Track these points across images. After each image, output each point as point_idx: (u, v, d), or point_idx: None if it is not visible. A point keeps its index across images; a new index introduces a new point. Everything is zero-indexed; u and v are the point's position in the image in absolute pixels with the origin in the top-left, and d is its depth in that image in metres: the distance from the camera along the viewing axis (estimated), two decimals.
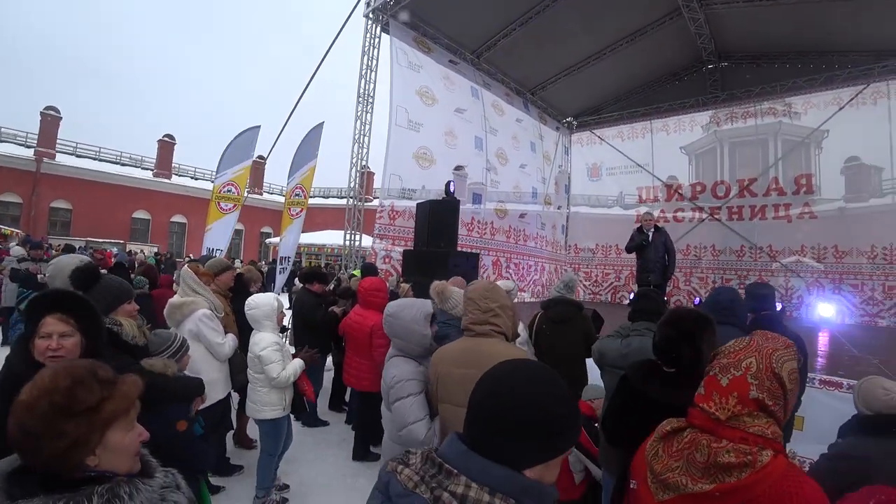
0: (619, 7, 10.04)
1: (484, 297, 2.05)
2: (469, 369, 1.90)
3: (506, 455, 0.86)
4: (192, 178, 27.90)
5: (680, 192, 12.82)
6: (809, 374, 3.68)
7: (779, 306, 9.89)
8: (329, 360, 5.48)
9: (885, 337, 8.40)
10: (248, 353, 3.26)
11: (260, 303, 3.27)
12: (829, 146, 10.95)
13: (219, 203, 8.24)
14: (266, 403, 3.26)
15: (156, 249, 22.60)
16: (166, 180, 25.90)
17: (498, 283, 4.96)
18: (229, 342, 3.39)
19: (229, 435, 4.12)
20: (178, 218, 26.32)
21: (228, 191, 8.30)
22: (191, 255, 20.24)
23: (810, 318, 10.19)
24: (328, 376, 5.77)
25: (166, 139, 26.31)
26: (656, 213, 12.35)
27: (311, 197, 8.78)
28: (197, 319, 3.23)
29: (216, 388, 3.29)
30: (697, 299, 11.65)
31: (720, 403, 1.12)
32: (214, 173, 8.28)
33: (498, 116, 11.37)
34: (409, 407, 2.06)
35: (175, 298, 3.39)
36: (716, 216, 12.17)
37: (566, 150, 14.64)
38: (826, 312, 10.13)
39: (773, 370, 1.10)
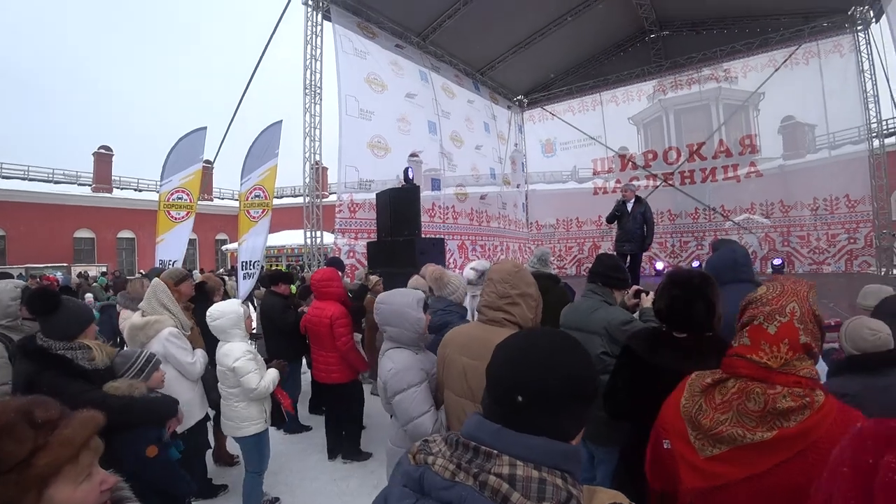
0: None
1: (505, 280, 1.84)
2: (473, 360, 1.81)
3: (542, 427, 0.80)
4: (135, 189, 26.47)
5: (633, 161, 13.11)
6: None
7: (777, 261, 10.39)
8: (304, 362, 5.31)
9: (833, 281, 8.93)
10: (218, 367, 3.04)
11: (225, 311, 3.04)
12: (766, 107, 11.52)
13: (168, 212, 7.82)
14: (246, 419, 3.05)
15: (104, 269, 21.36)
16: (107, 195, 24.46)
17: (474, 263, 4.91)
18: (199, 359, 3.18)
19: (208, 453, 3.90)
20: (125, 234, 24.95)
21: (179, 198, 7.89)
22: (142, 270, 19.22)
23: (766, 270, 10.69)
24: (306, 379, 5.60)
25: (102, 151, 24.79)
26: (612, 184, 12.63)
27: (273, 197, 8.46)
28: (163, 340, 3.01)
29: (193, 408, 3.10)
30: (659, 263, 12.01)
31: (772, 352, 1.10)
32: (159, 181, 7.84)
33: (449, 99, 11.23)
34: (413, 399, 1.93)
35: (136, 318, 3.13)
36: (669, 182, 12.52)
37: (520, 129, 14.70)
38: (777, 263, 10.67)
39: (813, 312, 1.11)
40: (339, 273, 4.66)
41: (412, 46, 10.46)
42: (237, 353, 2.97)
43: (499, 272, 1.89)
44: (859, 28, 10.28)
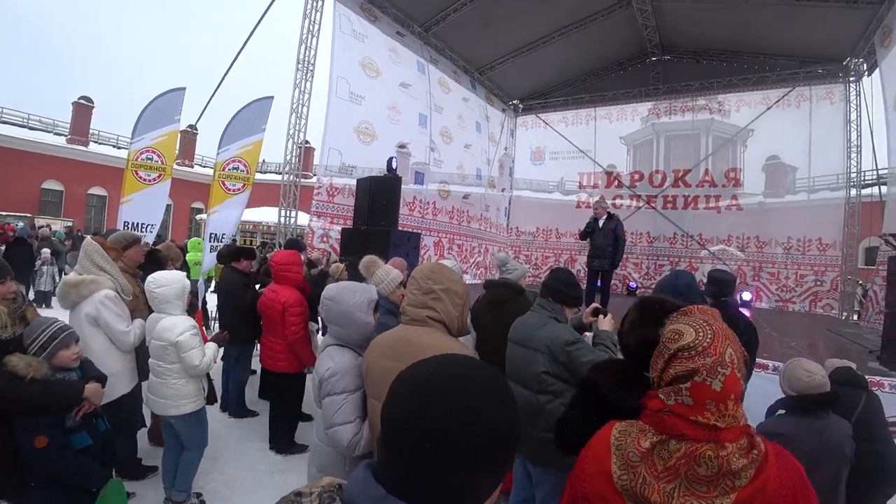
0: None
1: (426, 276, 1.77)
2: (396, 362, 1.67)
3: (451, 487, 0.63)
4: (114, 146, 25.53)
5: (620, 179, 13.17)
6: None
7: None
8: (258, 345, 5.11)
9: (797, 320, 9.11)
10: (154, 342, 2.84)
11: (169, 280, 2.85)
12: (753, 144, 11.73)
13: (136, 171, 7.46)
14: (184, 396, 2.89)
15: (70, 224, 20.56)
16: (82, 148, 23.53)
17: (443, 261, 4.78)
18: (136, 329, 2.96)
19: (142, 432, 3.66)
20: (96, 190, 24.04)
21: (149, 158, 7.54)
22: (80, 232, 18.50)
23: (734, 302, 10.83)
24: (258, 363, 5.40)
25: (82, 102, 23.82)
26: (596, 199, 12.65)
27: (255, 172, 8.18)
28: (97, 301, 2.79)
29: (120, 381, 2.88)
30: (633, 283, 12.13)
31: (719, 411, 0.96)
32: (130, 139, 7.49)
33: (444, 94, 11.08)
34: (340, 406, 1.80)
35: (71, 276, 2.91)
36: (652, 204, 12.62)
37: (512, 133, 14.64)
38: (747, 297, 10.82)
39: (743, 352, 1.00)
40: (301, 256, 4.47)
41: (413, 36, 10.28)
42: (181, 327, 2.79)
43: (421, 270, 1.83)
44: (852, 79, 10.50)
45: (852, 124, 10.41)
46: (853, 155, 10.41)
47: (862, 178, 10.52)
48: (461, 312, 1.79)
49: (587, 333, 2.63)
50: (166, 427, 3.11)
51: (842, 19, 9.10)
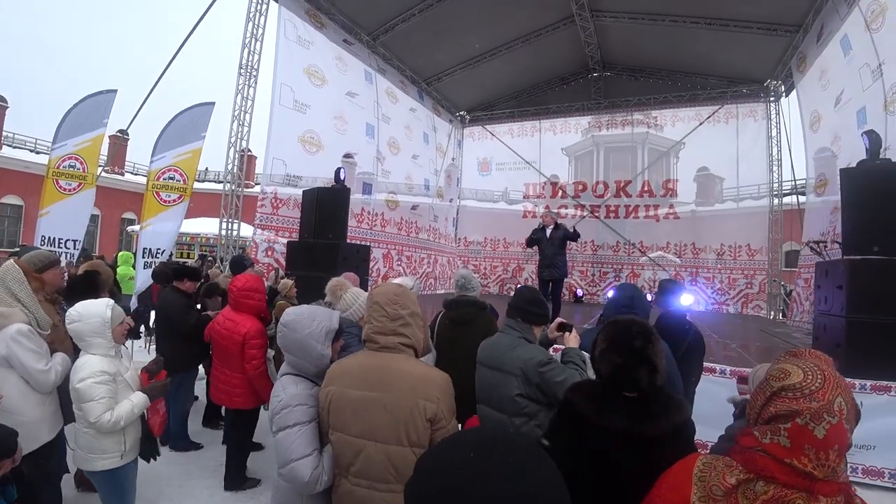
0: (518, 6, 10.19)
1: (392, 301, 1.71)
2: (369, 392, 1.61)
3: None
4: (32, 150, 23.47)
5: (564, 190, 13.57)
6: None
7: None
8: (201, 370, 4.76)
9: (731, 322, 9.69)
10: (70, 384, 2.42)
11: (85, 313, 2.41)
12: (685, 156, 12.49)
13: (57, 181, 6.88)
14: (96, 451, 2.42)
15: None
16: None
17: (399, 279, 4.64)
18: (57, 366, 2.58)
19: (67, 478, 3.19)
20: (10, 199, 21.91)
21: (71, 166, 6.96)
22: (24, 244, 16.85)
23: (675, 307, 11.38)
24: (202, 387, 5.02)
25: None
26: (541, 209, 12.97)
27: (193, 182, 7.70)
28: (8, 339, 2.42)
29: (40, 429, 2.52)
30: (580, 291, 12.54)
31: (818, 459, 0.90)
32: (50, 145, 6.88)
33: (391, 104, 11.00)
34: (295, 440, 1.67)
35: None
36: (595, 214, 13.07)
37: (459, 144, 14.75)
38: (686, 301, 11.40)
39: (855, 405, 0.94)
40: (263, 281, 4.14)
41: (361, 44, 10.13)
42: (86, 371, 2.34)
43: (384, 294, 1.75)
44: (772, 99, 11.44)
45: (773, 140, 11.34)
46: (774, 167, 11.33)
47: (781, 189, 11.43)
48: (425, 335, 1.75)
49: (558, 346, 2.61)
50: None
51: (762, 44, 9.88)
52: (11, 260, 2.75)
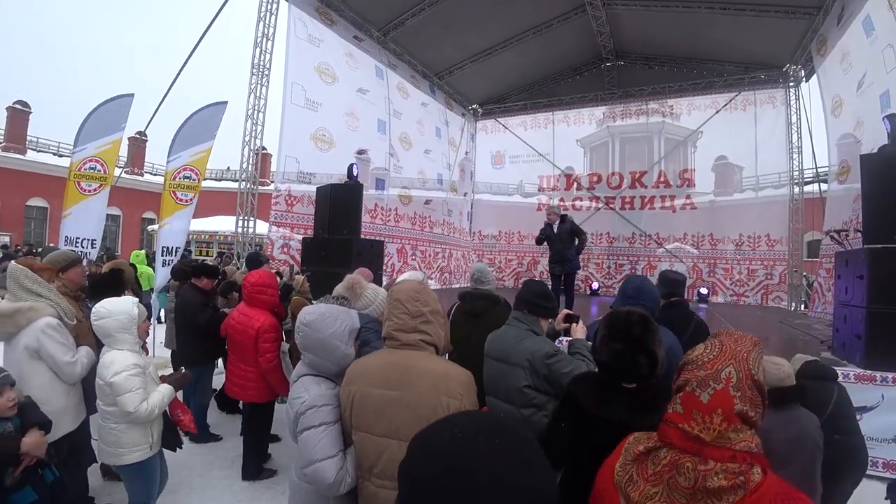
0: None
1: (413, 298, 1.69)
2: (391, 390, 1.59)
3: None
4: (55, 154, 24.07)
5: (579, 182, 13.44)
6: None
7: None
8: (220, 363, 4.87)
9: (750, 314, 9.52)
10: (97, 379, 2.50)
11: (113, 310, 2.49)
12: (703, 145, 12.22)
13: (78, 183, 7.05)
14: (125, 444, 2.49)
15: (6, 239, 19.18)
16: (19, 156, 22.05)
17: (405, 275, 4.67)
18: (82, 358, 2.69)
19: (94, 468, 3.31)
20: (36, 201, 22.56)
21: (92, 168, 7.12)
22: (20, 247, 17.17)
23: (692, 298, 11.24)
24: (220, 380, 5.13)
25: (18, 106, 22.37)
26: (556, 202, 12.88)
27: (203, 179, 7.85)
28: (38, 331, 2.52)
29: (64, 418, 2.61)
30: (595, 284, 12.43)
31: (704, 423, 0.98)
32: (72, 149, 7.05)
33: (403, 99, 11.01)
34: (320, 440, 1.66)
35: (4, 304, 2.60)
36: (610, 206, 12.93)
37: (472, 137, 14.70)
38: (704, 292, 11.29)
39: (752, 377, 0.99)
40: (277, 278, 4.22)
41: (371, 40, 10.16)
42: (119, 365, 2.42)
43: (405, 292, 1.73)
44: (791, 84, 11.10)
45: (793, 126, 10.99)
46: (794, 155, 11.00)
47: (802, 177, 11.13)
48: (445, 332, 1.75)
49: (564, 339, 2.62)
50: None
51: (780, 28, 9.60)
52: (12, 262, 2.86)
